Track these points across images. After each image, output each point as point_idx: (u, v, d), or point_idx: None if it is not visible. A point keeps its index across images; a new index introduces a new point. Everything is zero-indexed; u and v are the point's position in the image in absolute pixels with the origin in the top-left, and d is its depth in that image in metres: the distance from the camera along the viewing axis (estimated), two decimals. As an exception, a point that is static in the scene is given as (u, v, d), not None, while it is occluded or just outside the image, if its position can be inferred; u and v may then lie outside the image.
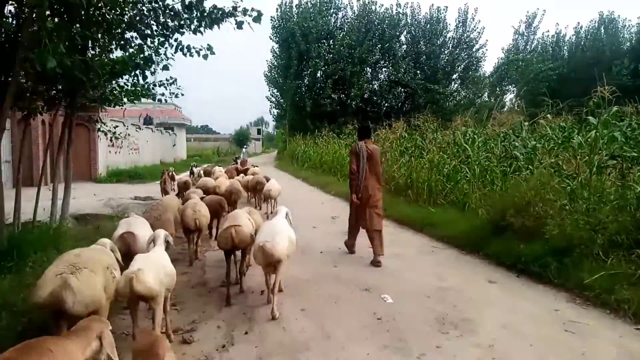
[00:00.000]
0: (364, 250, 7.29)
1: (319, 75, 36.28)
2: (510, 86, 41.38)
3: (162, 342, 2.86)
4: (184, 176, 15.51)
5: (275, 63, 39.86)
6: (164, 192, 12.91)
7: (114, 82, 7.69)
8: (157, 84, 8.38)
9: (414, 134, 16.10)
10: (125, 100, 8.84)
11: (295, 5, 37.80)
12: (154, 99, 8.48)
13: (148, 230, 5.13)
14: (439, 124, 16.66)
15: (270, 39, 38.47)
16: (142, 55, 6.98)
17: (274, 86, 40.79)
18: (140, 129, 28.87)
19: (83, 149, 19.22)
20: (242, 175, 14.10)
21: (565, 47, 45.00)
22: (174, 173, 14.89)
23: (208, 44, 7.50)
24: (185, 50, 7.49)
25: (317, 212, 10.21)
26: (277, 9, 37.87)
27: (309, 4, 37.67)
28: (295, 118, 37.34)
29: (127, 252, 4.60)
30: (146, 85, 8.57)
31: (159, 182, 14.11)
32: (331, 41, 36.72)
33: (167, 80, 8.37)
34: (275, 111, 42.70)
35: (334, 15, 37.92)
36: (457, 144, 12.36)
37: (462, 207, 9.02)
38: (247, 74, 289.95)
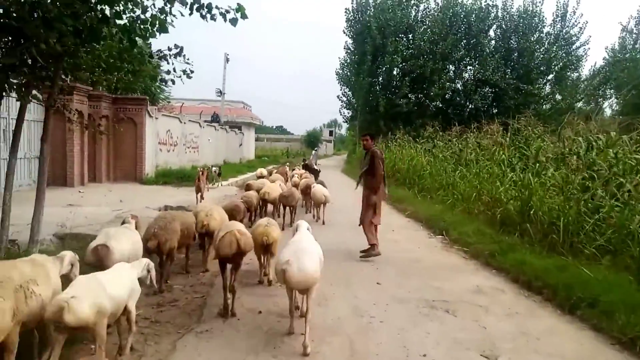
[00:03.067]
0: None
1: (395, 72, 33.02)
2: (610, 91, 35.83)
3: None
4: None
5: (348, 59, 37.06)
6: (198, 190, 12.30)
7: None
8: (155, 54, 5.68)
9: (516, 140, 12.81)
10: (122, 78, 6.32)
11: (373, -3, 34.59)
12: (154, 80, 5.85)
13: (129, 244, 4.84)
14: (545, 129, 13.73)
15: (344, 32, 35.59)
16: None
17: (345, 84, 38.05)
18: (201, 126, 27.00)
19: (129, 145, 17.27)
20: (298, 177, 14.02)
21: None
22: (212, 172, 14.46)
23: (238, 4, 5.09)
24: (205, 10, 5.15)
25: (383, 247, 7.08)
26: (352, 0, 34.89)
27: (387, -5, 34.29)
28: (366, 119, 34.19)
29: (100, 266, 4.28)
30: (143, 53, 5.94)
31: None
32: (410, 35, 33.30)
33: (168, 49, 5.66)
34: (345, 111, 39.86)
35: (414, 7, 34.22)
36: (577, 155, 9.02)
37: (630, 263, 5.43)
38: (327, 74, 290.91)
